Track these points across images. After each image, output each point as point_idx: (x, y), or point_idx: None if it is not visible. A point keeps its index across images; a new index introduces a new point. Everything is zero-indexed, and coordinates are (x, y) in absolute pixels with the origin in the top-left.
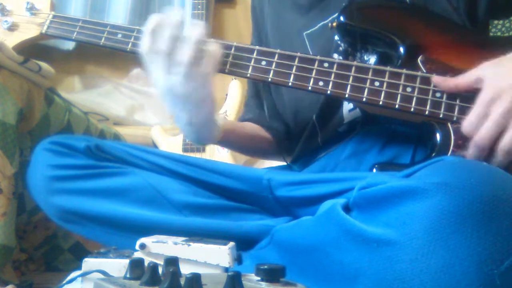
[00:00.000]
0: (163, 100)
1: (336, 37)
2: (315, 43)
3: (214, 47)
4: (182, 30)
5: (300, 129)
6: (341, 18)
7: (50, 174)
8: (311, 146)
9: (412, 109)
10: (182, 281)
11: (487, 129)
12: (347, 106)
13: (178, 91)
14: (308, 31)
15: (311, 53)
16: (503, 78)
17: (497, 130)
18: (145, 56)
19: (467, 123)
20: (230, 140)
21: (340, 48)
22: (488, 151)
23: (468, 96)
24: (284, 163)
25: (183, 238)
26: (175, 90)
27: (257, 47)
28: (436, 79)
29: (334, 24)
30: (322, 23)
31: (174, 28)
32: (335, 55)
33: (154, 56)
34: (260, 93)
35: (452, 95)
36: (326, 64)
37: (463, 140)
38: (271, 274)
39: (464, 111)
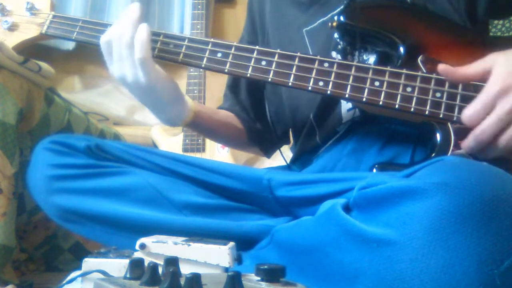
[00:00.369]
0: (128, 91)
1: (336, 35)
2: (315, 40)
3: (141, 32)
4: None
5: (299, 128)
6: (341, 18)
7: (50, 174)
8: (310, 145)
9: (412, 109)
10: (182, 281)
11: (490, 124)
12: (345, 106)
13: (128, 79)
14: (308, 28)
15: (310, 50)
16: (509, 68)
17: (500, 126)
18: (104, 46)
19: (469, 113)
20: (201, 122)
21: (339, 47)
22: (486, 145)
23: (468, 96)
24: (284, 163)
25: (183, 238)
26: (127, 78)
27: (257, 47)
28: (442, 67)
29: (334, 23)
30: (321, 19)
31: (123, 21)
32: (334, 53)
33: (106, 48)
34: (238, 86)
35: (453, 95)
36: (326, 64)
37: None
38: (271, 274)
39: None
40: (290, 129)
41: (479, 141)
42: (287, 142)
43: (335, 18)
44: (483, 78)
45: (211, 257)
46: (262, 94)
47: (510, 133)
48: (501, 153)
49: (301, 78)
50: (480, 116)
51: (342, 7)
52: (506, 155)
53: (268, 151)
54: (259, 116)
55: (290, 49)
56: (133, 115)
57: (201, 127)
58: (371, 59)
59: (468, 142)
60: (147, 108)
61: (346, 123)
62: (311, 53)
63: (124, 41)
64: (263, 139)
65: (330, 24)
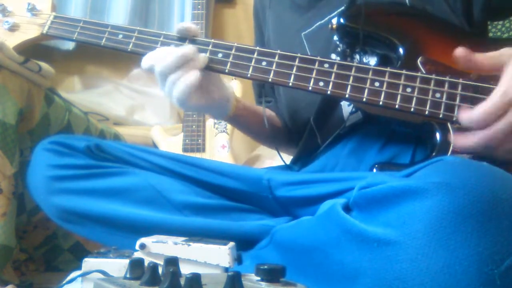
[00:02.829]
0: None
1: (335, 38)
2: (313, 43)
3: (191, 75)
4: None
5: (298, 130)
6: (341, 20)
7: (50, 174)
8: (310, 147)
9: (412, 109)
10: (182, 281)
11: (503, 130)
12: (347, 109)
13: (174, 100)
14: (306, 32)
15: (309, 54)
16: None
17: (505, 136)
18: (144, 68)
19: (479, 115)
20: (243, 116)
21: (339, 49)
22: (495, 146)
23: (467, 96)
24: (284, 163)
25: (183, 238)
26: (172, 98)
27: (257, 47)
28: (460, 51)
29: (334, 26)
30: (319, 23)
31: (178, 59)
32: (333, 56)
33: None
34: (267, 93)
35: (453, 95)
36: (326, 65)
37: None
38: (271, 274)
39: None
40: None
41: (488, 145)
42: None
43: (335, 20)
44: (495, 71)
45: (211, 257)
46: None
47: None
48: (499, 157)
49: (301, 78)
50: (492, 119)
51: (341, 9)
52: (504, 158)
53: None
54: None
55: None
56: (133, 115)
57: (242, 123)
58: (372, 61)
59: (477, 143)
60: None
61: (348, 126)
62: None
63: (171, 80)
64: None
65: (330, 26)
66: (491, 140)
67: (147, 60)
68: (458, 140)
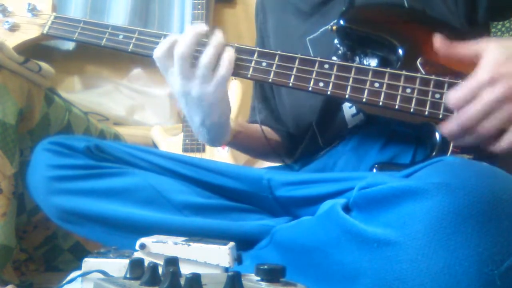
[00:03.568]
0: (179, 101)
1: (336, 41)
2: (318, 48)
3: (230, 52)
4: (202, 38)
5: (301, 134)
6: (341, 22)
7: (50, 174)
8: (312, 149)
9: (411, 110)
10: (182, 281)
11: (476, 111)
12: (349, 111)
13: (194, 94)
14: (311, 37)
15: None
16: (503, 63)
17: (483, 116)
18: (158, 62)
19: (456, 96)
20: (239, 141)
21: (339, 52)
22: (468, 129)
23: None
24: (284, 163)
25: (183, 238)
26: (191, 93)
27: (257, 48)
28: (437, 44)
29: (334, 27)
30: (323, 28)
31: (193, 37)
32: (334, 58)
33: (171, 60)
34: (267, 96)
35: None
36: (326, 66)
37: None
38: (271, 274)
39: None
40: (293, 135)
41: (462, 126)
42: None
43: (335, 22)
44: (473, 60)
45: (211, 257)
46: None
47: (491, 122)
48: (477, 141)
49: (301, 79)
50: (466, 100)
51: (342, 10)
52: (481, 144)
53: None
54: None
55: None
56: (133, 115)
57: (239, 146)
58: (372, 63)
59: (451, 126)
60: (192, 124)
61: (350, 128)
62: None
63: (207, 60)
64: (292, 149)
65: (330, 27)
66: (467, 120)
67: (162, 45)
68: (441, 127)
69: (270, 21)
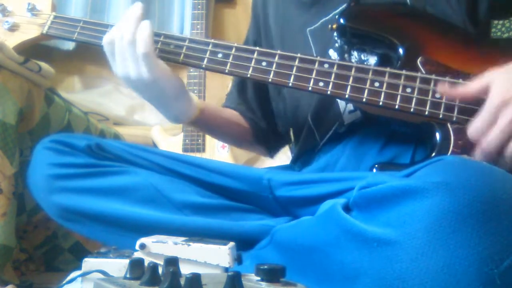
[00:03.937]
0: (132, 90)
1: (335, 34)
2: (318, 39)
3: (145, 26)
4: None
5: (299, 128)
6: (341, 20)
7: (51, 173)
8: (310, 145)
9: (412, 110)
10: (182, 281)
11: (494, 137)
12: (346, 108)
13: (132, 77)
14: (311, 28)
15: (313, 49)
16: (509, 81)
17: (504, 138)
18: (107, 47)
19: (474, 129)
20: (207, 120)
21: (336, 45)
22: (495, 156)
23: None
24: (284, 163)
25: (183, 238)
26: (130, 76)
27: (257, 48)
28: (441, 88)
29: (334, 26)
30: (324, 19)
31: (138, 20)
32: (331, 51)
33: (109, 48)
34: (245, 87)
35: None
36: (326, 65)
37: (463, 140)
38: (271, 274)
39: (463, 111)
40: (291, 129)
41: (486, 154)
42: (289, 141)
43: (336, 20)
44: (482, 95)
45: (211, 257)
46: (268, 93)
47: None
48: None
49: (301, 78)
50: (484, 129)
51: (342, 8)
52: None
53: (272, 151)
54: (265, 115)
55: (294, 49)
56: (133, 115)
57: (206, 125)
58: (371, 60)
59: (478, 157)
60: (153, 105)
61: (347, 125)
62: (314, 53)
63: (127, 39)
64: (268, 138)
65: (330, 26)
66: (488, 147)
67: (107, 37)
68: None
69: (271, 13)
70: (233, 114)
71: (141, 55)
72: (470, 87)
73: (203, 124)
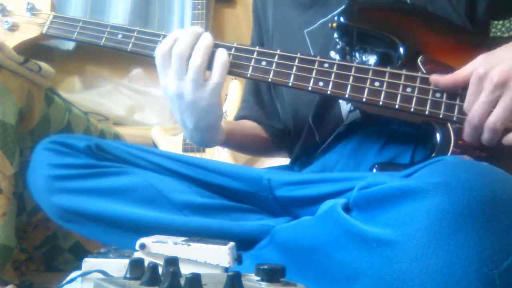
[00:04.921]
0: (171, 105)
1: (335, 35)
2: (316, 40)
3: (223, 56)
4: (198, 39)
5: (299, 129)
6: (341, 19)
7: (51, 174)
8: (309, 146)
9: (412, 109)
10: (182, 281)
11: (478, 106)
12: (346, 107)
13: (187, 98)
14: (309, 29)
15: (311, 51)
16: (493, 58)
17: (488, 107)
18: (159, 59)
19: (466, 104)
20: (231, 141)
21: (338, 46)
22: (481, 128)
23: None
24: (284, 163)
25: (183, 238)
26: (185, 97)
27: (257, 47)
28: (434, 78)
29: (334, 24)
30: (322, 20)
31: (193, 36)
32: (333, 53)
33: (168, 60)
34: (260, 90)
35: (453, 95)
36: (326, 65)
37: (463, 140)
38: (271, 274)
39: (463, 111)
40: (291, 129)
41: (472, 125)
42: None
43: (335, 19)
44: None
45: (211, 257)
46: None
47: (497, 111)
48: (498, 134)
49: (301, 78)
50: (471, 102)
51: (342, 7)
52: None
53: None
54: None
55: (292, 50)
56: (133, 115)
57: (231, 146)
58: (371, 59)
59: (465, 131)
60: (184, 128)
61: (346, 125)
62: (312, 54)
63: (202, 67)
64: (287, 141)
65: (330, 25)
66: (473, 118)
67: (165, 42)
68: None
69: (270, 14)
70: (253, 128)
71: (215, 85)
72: (458, 73)
73: (228, 145)
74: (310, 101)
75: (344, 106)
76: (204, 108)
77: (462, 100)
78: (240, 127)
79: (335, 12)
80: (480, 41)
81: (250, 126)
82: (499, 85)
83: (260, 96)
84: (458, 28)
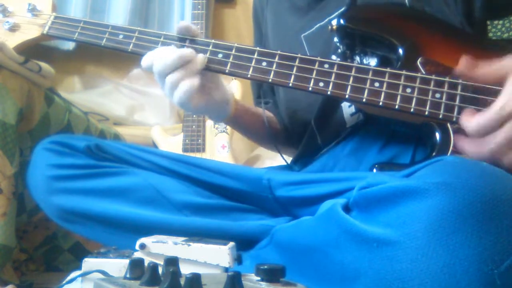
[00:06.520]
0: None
1: (336, 39)
2: (313, 45)
3: (192, 80)
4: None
5: (299, 131)
6: (341, 21)
7: (50, 174)
8: (311, 148)
9: (412, 110)
10: (182, 281)
11: (497, 145)
12: (348, 110)
13: (175, 102)
14: (306, 33)
15: (309, 55)
16: None
17: (506, 146)
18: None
19: (475, 125)
20: (242, 118)
21: (339, 50)
22: (490, 159)
23: (467, 97)
24: (284, 163)
25: (183, 238)
26: (174, 100)
27: (257, 48)
28: (461, 67)
29: (334, 27)
30: (319, 24)
31: (179, 60)
32: (334, 57)
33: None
34: (265, 94)
35: (452, 95)
36: (326, 65)
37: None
38: (271, 274)
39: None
40: (290, 131)
41: (481, 158)
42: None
43: (336, 21)
44: (497, 83)
45: (211, 257)
46: None
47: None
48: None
49: (301, 78)
50: (490, 129)
51: (341, 10)
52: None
53: None
54: None
55: None
56: (133, 115)
57: (240, 124)
58: (372, 62)
59: (471, 154)
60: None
61: (349, 128)
62: None
63: (170, 82)
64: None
65: (330, 27)
66: (489, 153)
67: (147, 59)
68: (463, 145)
69: (269, 18)
70: (266, 113)
71: (179, 99)
72: (489, 73)
73: (238, 123)
74: (310, 104)
75: (346, 109)
76: (195, 108)
77: (462, 101)
78: (252, 108)
79: (332, 16)
80: (479, 42)
81: (261, 110)
82: None
83: (271, 92)
84: (456, 29)
